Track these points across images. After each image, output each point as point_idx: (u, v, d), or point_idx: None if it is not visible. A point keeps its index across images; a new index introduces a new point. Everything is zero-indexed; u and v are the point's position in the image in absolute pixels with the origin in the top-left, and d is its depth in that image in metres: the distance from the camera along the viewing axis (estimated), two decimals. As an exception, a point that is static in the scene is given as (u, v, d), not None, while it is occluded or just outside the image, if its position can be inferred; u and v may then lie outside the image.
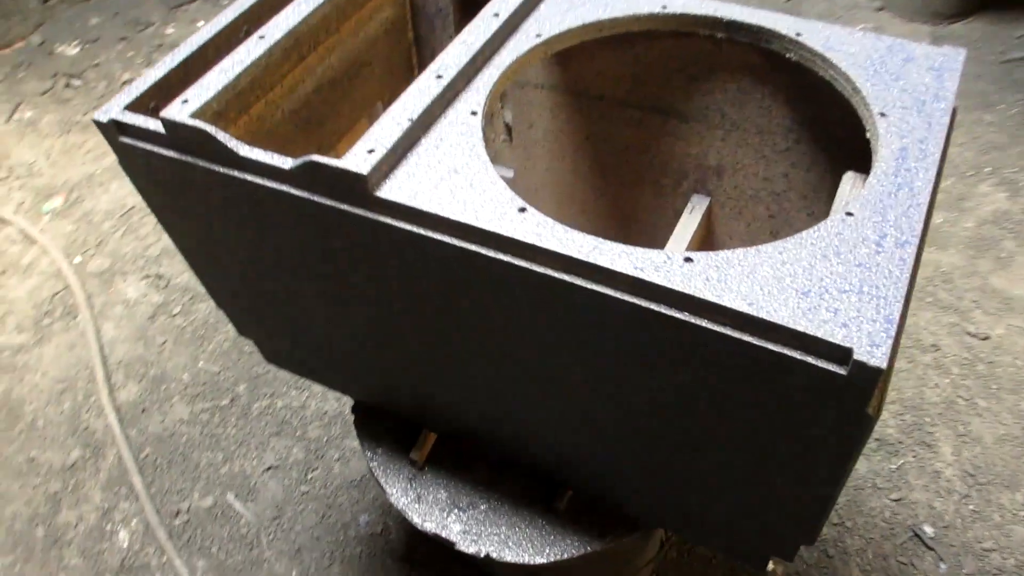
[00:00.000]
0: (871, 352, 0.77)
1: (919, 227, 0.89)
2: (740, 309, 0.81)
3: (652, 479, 1.21)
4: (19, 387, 2.49)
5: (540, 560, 1.35)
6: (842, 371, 0.79)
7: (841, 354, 0.79)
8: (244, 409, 2.35)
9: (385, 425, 1.54)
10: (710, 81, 1.28)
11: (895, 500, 2.08)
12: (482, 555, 1.36)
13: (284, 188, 0.98)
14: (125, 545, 2.11)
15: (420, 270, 1.01)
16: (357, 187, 0.96)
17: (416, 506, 1.43)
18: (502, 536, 1.38)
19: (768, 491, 1.08)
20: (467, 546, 1.37)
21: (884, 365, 0.76)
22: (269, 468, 2.22)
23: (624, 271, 0.85)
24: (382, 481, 1.47)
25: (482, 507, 1.42)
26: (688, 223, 1.37)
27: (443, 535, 1.39)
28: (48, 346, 2.58)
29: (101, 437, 2.34)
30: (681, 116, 1.34)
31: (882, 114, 1.02)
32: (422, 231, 0.94)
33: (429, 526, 1.40)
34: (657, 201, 1.49)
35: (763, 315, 0.81)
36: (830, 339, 0.79)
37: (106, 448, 2.31)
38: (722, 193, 1.39)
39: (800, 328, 0.80)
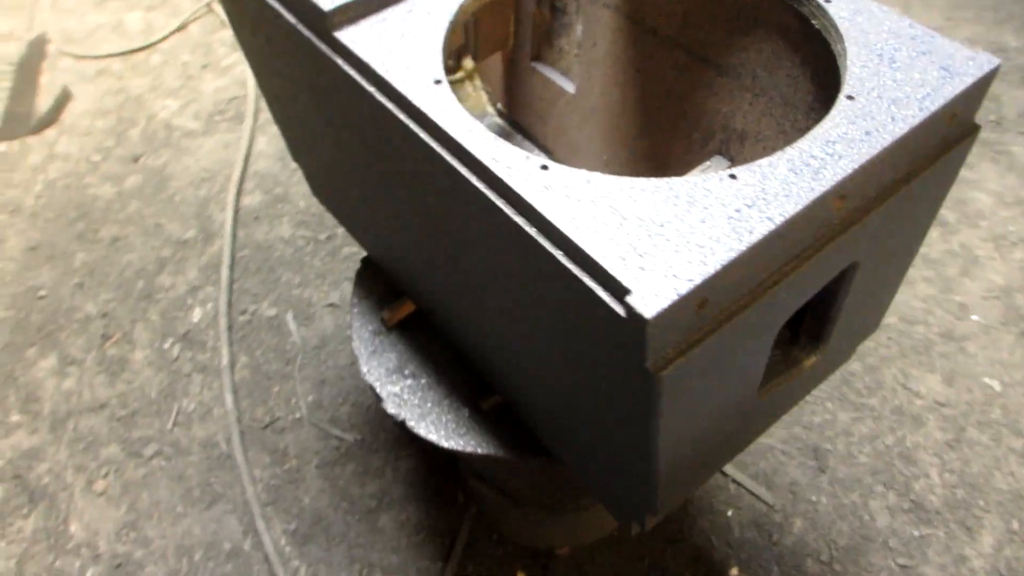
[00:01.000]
0: (646, 301, 0.77)
1: (791, 212, 0.84)
2: (558, 224, 0.83)
3: (532, 400, 1.24)
4: (175, 164, 2.86)
5: (445, 444, 1.42)
6: (622, 312, 0.79)
7: (622, 295, 0.79)
8: (335, 249, 2.56)
9: (381, 284, 1.65)
10: (749, 36, 1.22)
11: (901, 566, 1.93)
12: (399, 419, 1.45)
13: (273, 4, 1.09)
14: (195, 320, 2.41)
15: (361, 117, 1.08)
16: (318, 21, 1.04)
17: (369, 358, 1.54)
18: (424, 411, 1.46)
19: (608, 441, 1.09)
20: (391, 407, 1.47)
21: (649, 315, 0.75)
22: (331, 304, 2.42)
23: (482, 160, 0.88)
24: (353, 326, 1.59)
25: (422, 381, 1.50)
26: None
27: (377, 389, 1.49)
28: (210, 139, 2.93)
29: (216, 228, 2.65)
30: (719, 68, 1.29)
31: (849, 97, 0.95)
32: (359, 79, 1.01)
33: (370, 378, 1.51)
34: (686, 156, 1.45)
35: (573, 236, 0.82)
36: (616, 275, 0.79)
37: (216, 238, 2.62)
38: (741, 160, 1.33)
39: (597, 257, 0.81)
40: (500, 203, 0.91)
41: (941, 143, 1.04)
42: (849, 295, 1.14)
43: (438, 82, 1.00)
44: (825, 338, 1.21)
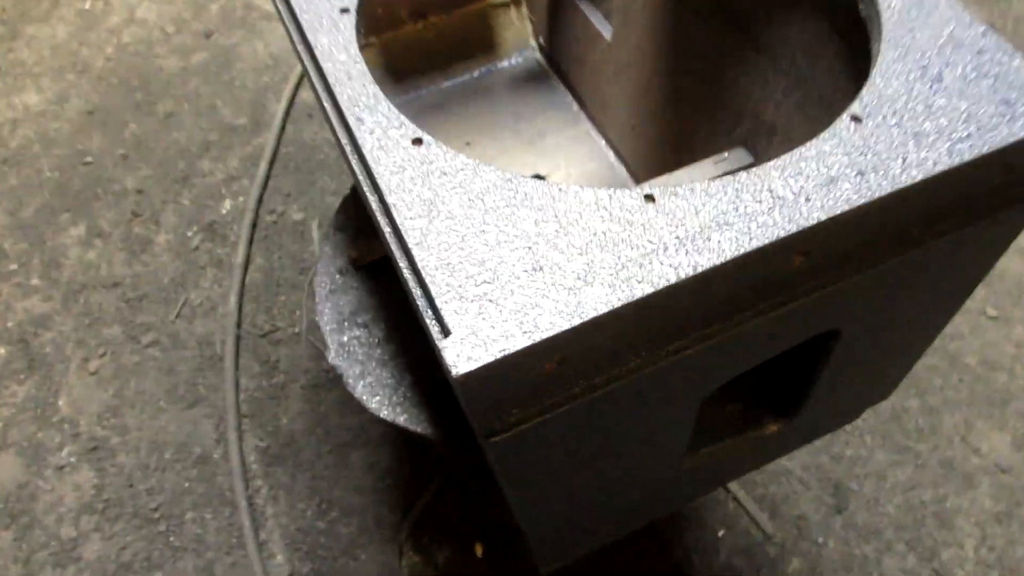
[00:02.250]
0: (463, 352, 0.62)
1: (703, 265, 0.65)
2: (398, 218, 0.69)
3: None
4: (245, 46, 2.78)
5: (376, 410, 1.30)
6: (442, 354, 0.64)
7: (445, 333, 0.63)
8: (381, 161, 2.44)
9: (361, 221, 1.52)
10: (793, 11, 0.99)
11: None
12: (338, 371, 1.35)
13: None
14: (223, 212, 2.37)
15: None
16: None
17: (326, 297, 1.43)
18: (366, 369, 1.34)
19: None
20: (334, 358, 1.36)
21: (460, 371, 0.60)
22: (360, 220, 2.32)
23: (345, 112, 0.75)
24: (321, 259, 1.48)
25: (374, 334, 1.38)
26: (704, 168, 1.12)
27: (325, 335, 1.38)
28: (281, 29, 2.83)
29: (267, 118, 2.58)
30: (757, 43, 1.07)
31: (855, 118, 0.74)
32: None
33: (320, 320, 1.40)
34: (709, 141, 1.23)
35: (408, 237, 0.67)
36: (440, 306, 0.64)
37: (264, 129, 2.55)
38: (764, 158, 1.11)
39: (426, 273, 0.65)
40: (358, 170, 0.76)
41: (988, 199, 0.80)
42: (829, 366, 0.93)
43: (345, 11, 0.84)
44: (794, 411, 1.01)
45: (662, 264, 0.67)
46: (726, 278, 0.69)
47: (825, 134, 0.75)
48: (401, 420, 1.31)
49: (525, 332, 0.64)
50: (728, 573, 1.79)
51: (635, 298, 0.65)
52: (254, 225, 2.33)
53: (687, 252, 0.68)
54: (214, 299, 2.21)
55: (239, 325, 2.14)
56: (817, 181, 0.72)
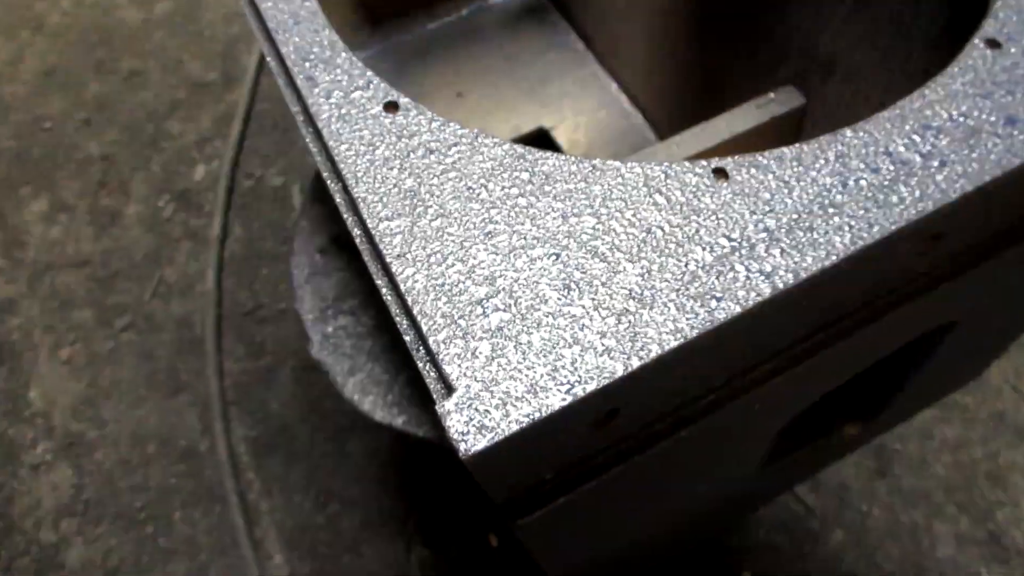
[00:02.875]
0: (469, 421, 0.41)
1: (813, 268, 0.45)
2: (369, 222, 0.47)
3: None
4: (210, -7, 2.52)
5: (370, 413, 1.11)
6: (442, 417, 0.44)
7: (447, 388, 0.43)
8: (365, 114, 2.20)
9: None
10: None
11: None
12: (324, 368, 1.15)
13: None
14: (197, 178, 2.14)
15: None
16: None
17: (306, 280, 1.22)
18: (355, 366, 1.14)
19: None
20: (318, 351, 1.16)
21: (468, 450, 0.40)
22: (346, 180, 2.10)
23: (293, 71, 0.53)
24: (298, 236, 1.26)
25: (362, 322, 1.18)
26: (747, 114, 0.90)
27: (306, 326, 1.18)
28: (251, -33, 2.55)
29: (239, 74, 2.33)
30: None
31: (992, 42, 0.53)
32: None
33: (300, 308, 1.19)
34: (747, 79, 1.01)
35: (386, 250, 0.46)
36: (437, 351, 0.43)
37: (237, 84, 2.30)
38: (820, 100, 0.89)
39: (415, 304, 0.44)
40: (315, 149, 0.55)
41: None
42: (932, 360, 0.73)
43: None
44: (879, 411, 0.82)
45: (749, 271, 0.46)
46: (836, 281, 0.48)
47: (953, 68, 0.54)
48: (399, 423, 1.12)
49: (561, 384, 0.43)
50: (768, 550, 1.63)
51: (716, 323, 0.45)
52: (230, 192, 2.10)
53: (782, 251, 0.47)
54: (190, 276, 2.00)
55: (220, 303, 1.93)
56: (953, 136, 0.51)
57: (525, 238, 0.49)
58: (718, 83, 1.08)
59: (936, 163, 0.50)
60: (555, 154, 0.52)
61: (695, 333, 0.45)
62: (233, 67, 2.35)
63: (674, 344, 0.44)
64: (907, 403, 0.90)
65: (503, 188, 0.51)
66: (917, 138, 0.51)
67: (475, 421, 0.43)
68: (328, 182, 0.55)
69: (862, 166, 0.50)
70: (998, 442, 1.70)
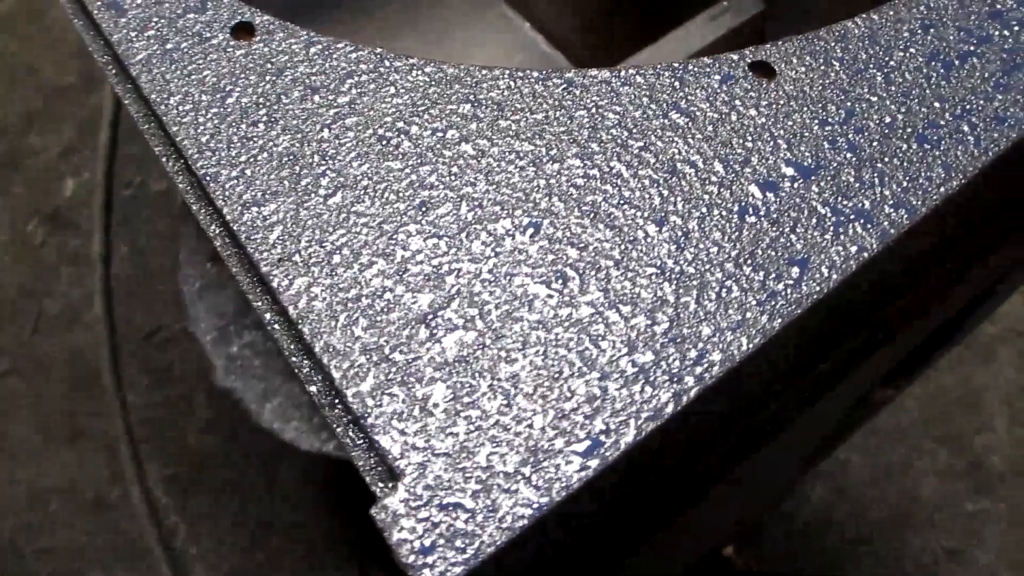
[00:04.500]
0: (427, 557, 0.21)
1: (854, 254, 0.26)
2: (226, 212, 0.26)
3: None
4: (55, -14, 2.21)
5: (303, 444, 0.91)
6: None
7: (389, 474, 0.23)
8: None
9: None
10: None
11: (948, 551, 1.46)
12: (235, 396, 0.94)
13: None
14: (67, 194, 1.86)
15: None
16: None
17: (196, 295, 1.00)
18: (269, 390, 0.93)
19: None
20: (223, 378, 0.95)
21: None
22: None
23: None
24: (183, 242, 1.04)
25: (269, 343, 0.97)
26: (698, 30, 0.73)
27: (206, 349, 0.96)
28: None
29: (99, 74, 2.04)
30: None
31: None
32: None
33: (195, 330, 0.98)
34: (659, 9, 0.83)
35: (256, 255, 0.26)
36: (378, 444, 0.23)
37: (98, 87, 2.02)
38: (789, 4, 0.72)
39: (355, 407, 0.24)
40: (134, 109, 0.35)
41: None
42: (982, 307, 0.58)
43: None
44: (920, 370, 0.67)
45: (839, 213, 0.29)
46: (961, 214, 0.32)
47: None
48: (331, 449, 0.92)
49: (579, 441, 0.25)
50: (748, 515, 1.50)
51: (806, 303, 0.27)
52: (108, 205, 1.83)
53: (881, 176, 0.30)
54: (75, 304, 1.73)
55: (113, 331, 1.68)
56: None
57: (481, 205, 0.30)
58: (649, 9, 0.90)
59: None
60: (507, 70, 0.33)
61: (778, 325, 0.27)
62: (91, 67, 2.06)
63: (750, 348, 0.26)
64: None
65: (435, 132, 0.32)
66: (1030, -13, 0.34)
67: (442, 529, 0.24)
68: (164, 162, 0.35)
69: (964, 35, 0.33)
70: (968, 367, 1.61)
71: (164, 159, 0.34)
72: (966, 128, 0.31)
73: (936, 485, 1.50)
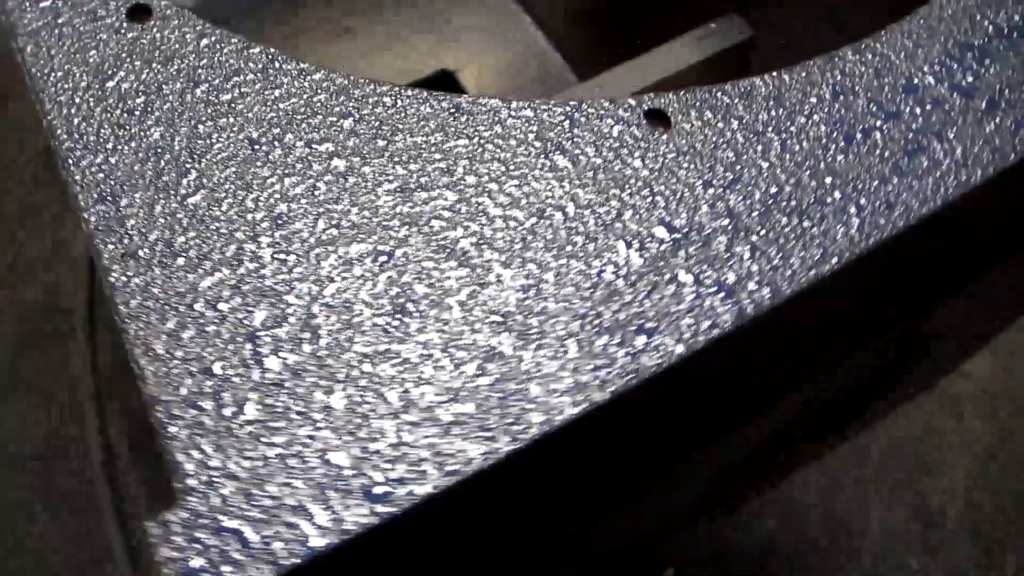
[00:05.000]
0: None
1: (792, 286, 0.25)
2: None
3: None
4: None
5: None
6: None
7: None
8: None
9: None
10: None
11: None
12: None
13: None
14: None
15: None
16: None
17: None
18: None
19: None
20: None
21: None
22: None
23: None
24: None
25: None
26: (684, 48, 0.71)
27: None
28: None
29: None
30: None
31: None
32: None
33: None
34: (679, 11, 0.81)
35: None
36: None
37: None
38: (768, 33, 0.70)
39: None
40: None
41: None
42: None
43: None
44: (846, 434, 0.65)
45: (701, 283, 0.28)
46: (836, 295, 0.30)
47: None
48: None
49: (336, 523, 0.24)
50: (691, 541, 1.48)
51: (642, 377, 0.26)
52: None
53: (754, 250, 0.28)
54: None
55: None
56: (1009, 61, 0.33)
57: (339, 225, 0.29)
58: (648, 14, 0.88)
59: (984, 103, 0.32)
60: (399, 88, 0.32)
61: (609, 395, 0.26)
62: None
63: (573, 415, 0.25)
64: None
65: (310, 143, 0.30)
66: (952, 62, 0.33)
67: (212, 555, 0.23)
68: (45, 128, 0.34)
69: (874, 108, 0.32)
70: (935, 420, 1.59)
71: (52, 139, 0.33)
72: (853, 210, 0.29)
73: (885, 536, 1.48)
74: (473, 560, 0.31)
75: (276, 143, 0.31)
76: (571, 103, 0.31)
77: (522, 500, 0.29)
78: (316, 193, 0.29)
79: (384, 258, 0.28)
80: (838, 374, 0.38)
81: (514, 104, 0.31)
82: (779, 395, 0.35)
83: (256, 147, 0.30)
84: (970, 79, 0.32)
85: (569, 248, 0.29)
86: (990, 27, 0.34)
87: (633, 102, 0.32)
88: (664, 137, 0.31)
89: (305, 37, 1.14)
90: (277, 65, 0.32)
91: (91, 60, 0.32)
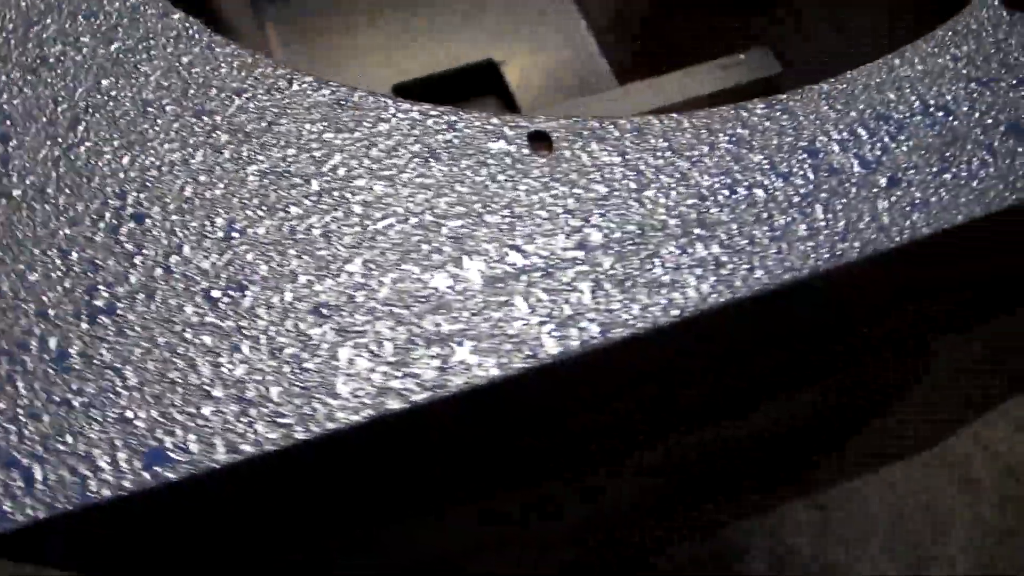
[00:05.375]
0: None
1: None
2: None
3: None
4: None
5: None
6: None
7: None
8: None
9: None
10: None
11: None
12: None
13: None
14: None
15: None
16: None
17: None
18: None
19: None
20: None
21: None
22: None
23: None
24: None
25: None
26: (709, 76, 0.70)
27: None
28: None
29: None
30: None
31: None
32: None
33: None
34: (711, 39, 0.79)
35: None
36: None
37: None
38: (801, 63, 0.69)
39: None
40: None
41: None
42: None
43: None
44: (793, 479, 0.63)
45: (533, 307, 0.28)
46: (671, 350, 0.30)
47: (946, 31, 0.34)
48: None
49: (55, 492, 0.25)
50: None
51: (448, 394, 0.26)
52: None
53: (597, 289, 0.28)
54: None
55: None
56: (921, 139, 0.31)
57: (202, 196, 0.29)
58: (687, 32, 0.86)
59: (884, 180, 0.30)
60: (300, 73, 0.32)
61: (407, 406, 0.26)
62: None
63: (367, 416, 0.26)
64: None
65: (198, 113, 0.31)
66: (864, 132, 0.31)
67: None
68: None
69: (767, 165, 0.31)
70: (944, 487, 1.53)
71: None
72: (712, 265, 0.29)
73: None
74: (255, 543, 0.32)
75: (168, 108, 0.31)
76: (460, 114, 0.31)
77: (311, 491, 0.29)
78: (190, 162, 0.30)
79: (236, 235, 0.29)
80: (700, 429, 0.37)
81: (403, 105, 0.31)
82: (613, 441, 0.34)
83: (148, 108, 0.31)
84: (877, 152, 0.31)
85: (414, 255, 0.29)
86: (916, 102, 0.33)
87: (524, 122, 0.31)
88: (543, 161, 0.30)
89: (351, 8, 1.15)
90: (190, 33, 0.33)
91: (22, 5, 0.34)
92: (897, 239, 0.30)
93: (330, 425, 0.26)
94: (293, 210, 0.29)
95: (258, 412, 0.26)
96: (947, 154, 0.31)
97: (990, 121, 0.32)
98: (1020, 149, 0.32)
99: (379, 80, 1.04)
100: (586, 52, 1.15)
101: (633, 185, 0.30)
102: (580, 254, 0.29)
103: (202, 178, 0.30)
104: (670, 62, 0.95)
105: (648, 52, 1.04)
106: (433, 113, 0.31)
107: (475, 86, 1.11)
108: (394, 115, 0.31)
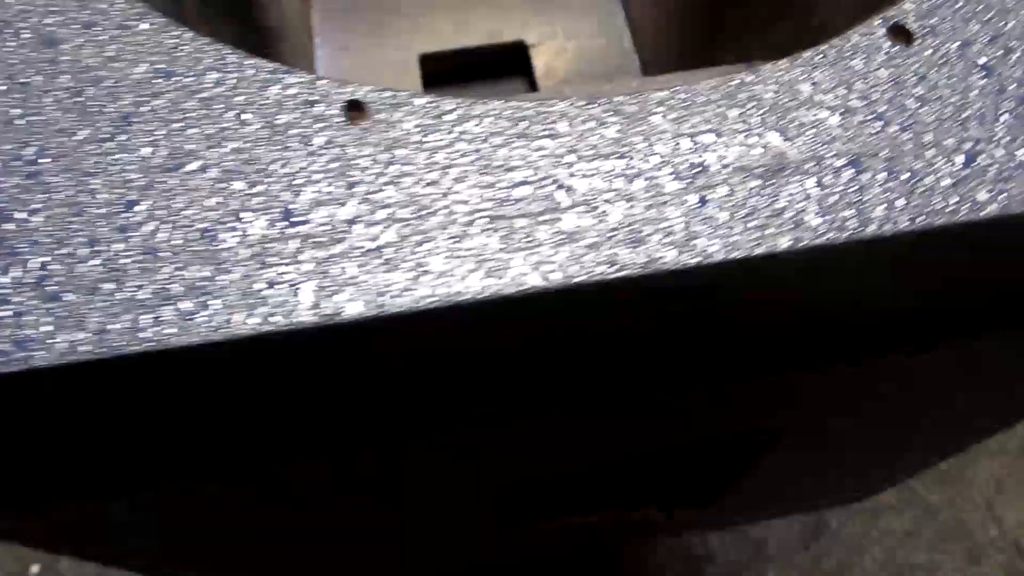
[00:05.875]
0: None
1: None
2: None
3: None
4: None
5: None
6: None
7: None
8: None
9: None
10: None
11: None
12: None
13: None
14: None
15: None
16: None
17: None
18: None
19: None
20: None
21: None
22: None
23: None
24: None
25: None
26: (712, 79, 0.69)
27: None
28: None
29: None
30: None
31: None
32: None
33: None
34: (731, 42, 0.78)
35: None
36: None
37: None
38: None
39: None
40: None
41: None
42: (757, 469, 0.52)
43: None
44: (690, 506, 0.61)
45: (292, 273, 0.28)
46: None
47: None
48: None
49: None
50: None
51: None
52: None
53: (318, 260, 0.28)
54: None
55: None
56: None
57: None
58: (711, 35, 0.84)
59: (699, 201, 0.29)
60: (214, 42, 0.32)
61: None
62: None
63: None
64: (742, 506, 0.69)
65: (113, 93, 0.32)
66: (716, 139, 0.30)
67: None
68: None
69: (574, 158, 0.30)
70: (950, 561, 1.46)
71: None
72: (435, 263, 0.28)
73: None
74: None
75: (82, 81, 0.32)
76: (294, 73, 0.31)
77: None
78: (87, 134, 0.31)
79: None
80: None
81: (230, 58, 0.32)
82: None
83: (74, 87, 0.32)
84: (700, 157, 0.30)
85: (198, 204, 0.29)
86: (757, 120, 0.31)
87: (352, 88, 0.31)
88: (351, 126, 0.30)
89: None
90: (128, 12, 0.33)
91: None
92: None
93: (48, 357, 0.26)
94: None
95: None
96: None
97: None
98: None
99: (408, 48, 1.04)
100: (619, 45, 1.13)
101: (424, 163, 0.30)
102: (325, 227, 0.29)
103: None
104: (701, 61, 0.94)
105: (684, 52, 1.02)
106: (264, 70, 0.31)
107: (503, 65, 1.10)
108: (225, 75, 0.31)
